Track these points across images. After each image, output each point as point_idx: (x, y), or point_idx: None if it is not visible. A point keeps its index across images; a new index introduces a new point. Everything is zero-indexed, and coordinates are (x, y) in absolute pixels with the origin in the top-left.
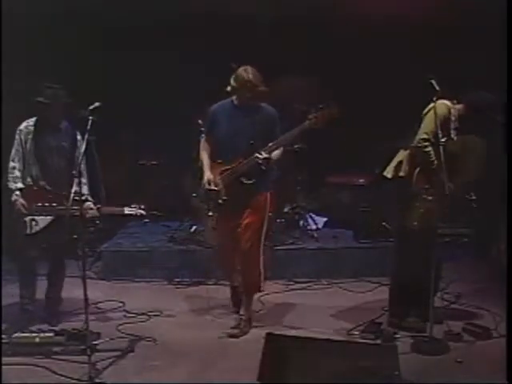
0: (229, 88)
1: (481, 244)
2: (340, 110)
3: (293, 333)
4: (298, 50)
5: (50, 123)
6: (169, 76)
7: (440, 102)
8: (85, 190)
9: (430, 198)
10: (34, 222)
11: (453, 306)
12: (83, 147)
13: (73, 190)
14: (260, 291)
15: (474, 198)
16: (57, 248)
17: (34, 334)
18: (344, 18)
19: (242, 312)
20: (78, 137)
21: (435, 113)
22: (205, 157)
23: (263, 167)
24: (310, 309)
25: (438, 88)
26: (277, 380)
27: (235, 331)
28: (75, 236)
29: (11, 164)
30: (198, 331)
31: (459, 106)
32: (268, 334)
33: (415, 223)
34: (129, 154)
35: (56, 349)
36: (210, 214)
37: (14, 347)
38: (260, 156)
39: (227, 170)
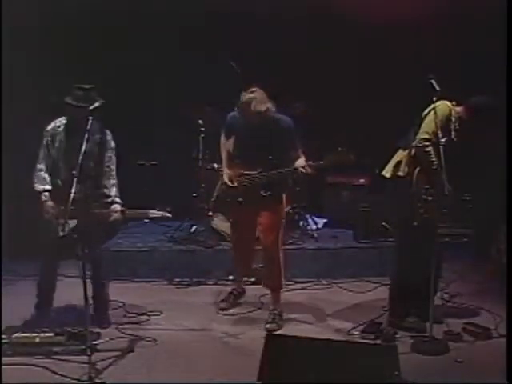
0: (237, 107)
1: (481, 244)
2: (355, 157)
3: (293, 333)
4: (297, 50)
5: (78, 124)
6: (169, 76)
7: (441, 102)
8: (113, 191)
9: (430, 198)
10: (66, 224)
11: (453, 305)
12: (83, 147)
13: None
14: (282, 287)
15: (469, 198)
16: (92, 247)
17: (34, 334)
18: (345, 17)
19: (273, 307)
20: (108, 137)
21: (436, 113)
22: (224, 155)
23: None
24: (309, 309)
25: (437, 88)
26: (277, 380)
27: (273, 326)
28: (75, 236)
29: (38, 166)
30: (197, 331)
31: (460, 108)
32: (268, 334)
33: (415, 223)
34: (129, 153)
35: (56, 349)
36: (210, 213)
37: (14, 347)
38: (302, 170)
39: (246, 174)
